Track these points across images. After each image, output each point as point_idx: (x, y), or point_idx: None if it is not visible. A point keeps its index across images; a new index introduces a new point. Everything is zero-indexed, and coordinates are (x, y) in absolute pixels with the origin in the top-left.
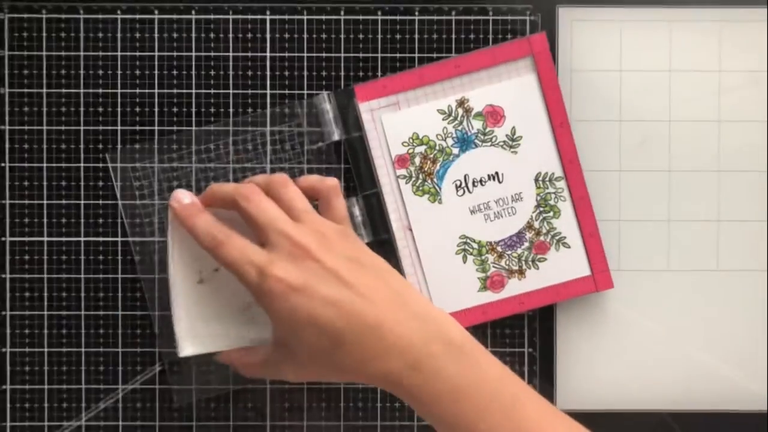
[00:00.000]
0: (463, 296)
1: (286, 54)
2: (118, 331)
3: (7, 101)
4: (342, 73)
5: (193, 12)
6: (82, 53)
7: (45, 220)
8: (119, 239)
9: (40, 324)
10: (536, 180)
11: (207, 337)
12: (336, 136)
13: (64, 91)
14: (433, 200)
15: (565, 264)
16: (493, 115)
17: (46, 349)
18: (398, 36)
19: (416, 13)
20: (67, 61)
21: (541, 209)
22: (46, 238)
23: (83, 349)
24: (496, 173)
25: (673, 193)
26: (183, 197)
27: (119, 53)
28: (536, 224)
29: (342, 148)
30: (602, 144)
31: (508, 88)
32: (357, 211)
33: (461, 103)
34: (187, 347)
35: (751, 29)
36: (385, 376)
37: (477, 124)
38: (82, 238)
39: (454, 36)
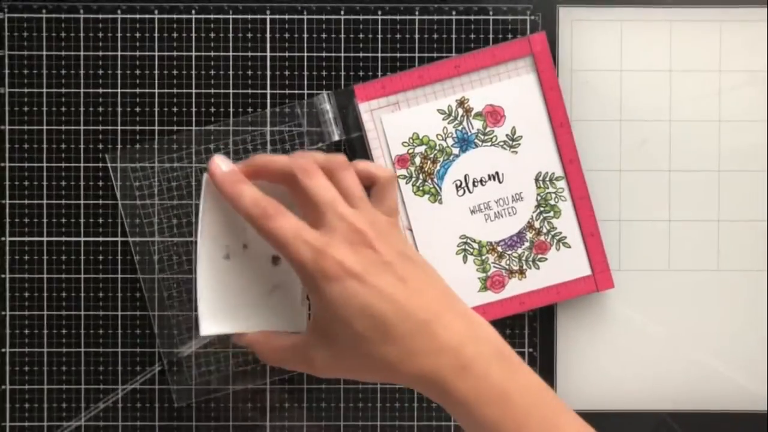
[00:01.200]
0: (464, 296)
1: (286, 54)
2: (118, 331)
3: (7, 101)
4: (342, 73)
5: (193, 12)
6: (82, 53)
7: (45, 220)
8: (119, 239)
9: (40, 324)
10: (536, 180)
11: (229, 316)
12: (336, 137)
13: (64, 91)
14: (433, 200)
15: (566, 264)
16: (493, 115)
17: (45, 349)
18: (398, 36)
19: (416, 13)
20: (67, 61)
21: (542, 209)
22: (45, 238)
23: (83, 349)
24: (497, 173)
25: (673, 193)
26: (223, 164)
27: (119, 53)
28: (537, 224)
29: (342, 149)
30: (602, 144)
31: (508, 87)
32: None
33: (461, 103)
34: (209, 326)
35: (751, 29)
36: (432, 374)
37: (477, 124)
38: (81, 238)
39: (454, 36)
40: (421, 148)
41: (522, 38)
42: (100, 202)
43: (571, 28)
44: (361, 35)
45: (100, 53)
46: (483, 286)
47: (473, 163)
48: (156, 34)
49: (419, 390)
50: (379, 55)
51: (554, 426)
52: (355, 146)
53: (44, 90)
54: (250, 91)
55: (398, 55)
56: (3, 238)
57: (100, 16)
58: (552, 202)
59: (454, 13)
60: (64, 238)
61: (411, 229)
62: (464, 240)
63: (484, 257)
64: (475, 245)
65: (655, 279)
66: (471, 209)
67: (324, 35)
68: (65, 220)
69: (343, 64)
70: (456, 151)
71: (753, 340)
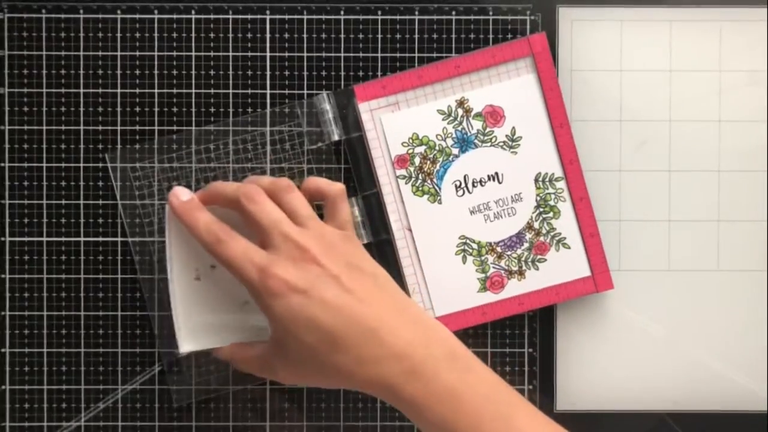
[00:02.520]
0: (463, 297)
1: (286, 54)
2: (118, 331)
3: (7, 101)
4: (342, 73)
5: (193, 12)
6: (82, 53)
7: (44, 220)
8: (119, 239)
9: (40, 324)
10: (536, 180)
11: (205, 333)
12: (336, 136)
13: (64, 91)
14: (432, 200)
15: (565, 264)
16: (493, 115)
17: (45, 350)
18: (398, 36)
19: (416, 13)
20: (67, 61)
21: (541, 210)
22: (45, 238)
23: (83, 350)
24: (496, 173)
25: (673, 193)
26: (182, 194)
27: (119, 53)
28: (536, 225)
29: (342, 148)
30: (602, 144)
31: (508, 88)
32: (356, 212)
33: (461, 103)
34: (186, 344)
35: (751, 29)
36: (382, 380)
37: (477, 125)
38: (81, 238)
39: (454, 36)
40: (421, 149)
41: (522, 38)
42: (100, 202)
43: (571, 28)
44: (361, 35)
45: (100, 53)
46: (482, 287)
47: (473, 164)
48: (156, 34)
49: (373, 394)
50: (379, 55)
51: (509, 419)
52: (355, 146)
53: (44, 90)
54: (250, 91)
55: (398, 55)
56: (3, 238)
57: (100, 16)
58: (551, 203)
59: (454, 13)
60: (64, 238)
61: (410, 230)
62: (464, 240)
63: (483, 258)
64: (475, 246)
65: (655, 279)
66: (470, 210)
67: (324, 35)
68: (65, 220)
69: (343, 64)
70: (455, 151)
71: (753, 340)
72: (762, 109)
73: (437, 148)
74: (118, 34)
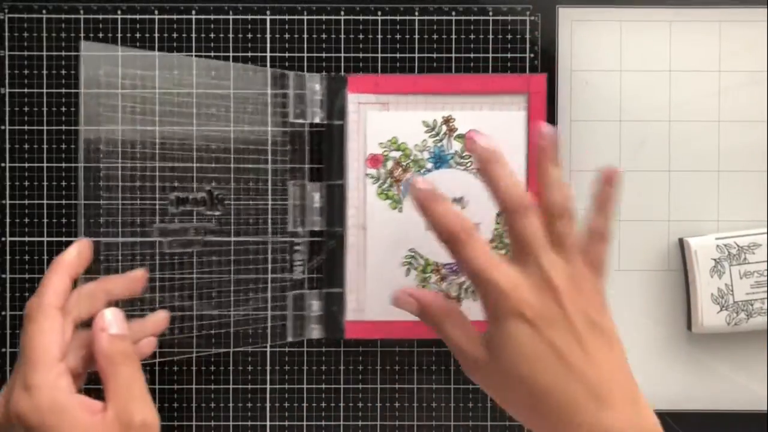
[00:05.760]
0: (396, 308)
1: (286, 54)
2: None
3: (7, 101)
4: (342, 74)
5: (193, 12)
6: (82, 53)
7: (45, 220)
8: (119, 240)
9: None
10: (498, 215)
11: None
12: (318, 119)
13: (64, 91)
14: (394, 207)
15: None
16: None
17: None
18: (398, 36)
19: (416, 13)
20: (67, 61)
21: (496, 245)
22: (45, 238)
23: None
24: (462, 198)
25: (673, 193)
26: (421, 182)
27: (119, 53)
28: None
29: (321, 132)
30: (602, 144)
31: (496, 118)
32: (317, 198)
33: (447, 120)
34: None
35: (751, 29)
36: None
37: (457, 146)
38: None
39: (454, 36)
40: (396, 154)
41: (522, 75)
42: (101, 202)
43: (571, 28)
44: (361, 35)
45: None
46: None
47: (442, 182)
48: (156, 34)
49: None
50: (379, 55)
51: None
52: (333, 134)
53: (44, 90)
54: (250, 90)
55: (398, 55)
56: (3, 238)
57: (100, 16)
58: (507, 242)
59: (454, 13)
60: (64, 239)
61: (365, 229)
62: (412, 254)
63: (426, 275)
64: (422, 261)
65: (654, 279)
66: (427, 226)
67: (324, 35)
68: (65, 220)
69: (343, 64)
70: (429, 165)
71: (753, 340)
72: (762, 109)
73: (412, 157)
74: (118, 34)
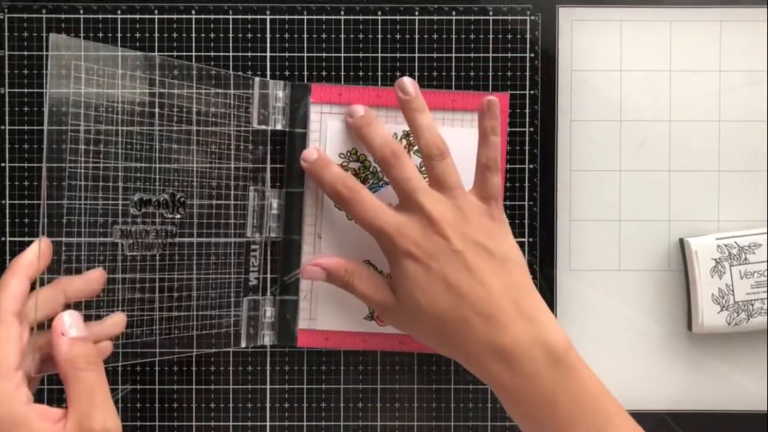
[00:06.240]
0: (349, 319)
1: (286, 54)
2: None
3: (7, 101)
4: (342, 74)
5: (193, 12)
6: (82, 53)
7: (45, 220)
8: (119, 240)
9: (39, 324)
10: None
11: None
12: (279, 126)
13: (64, 91)
14: (350, 217)
15: None
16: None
17: None
18: (398, 36)
19: (416, 13)
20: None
21: None
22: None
23: None
24: None
25: (673, 193)
26: (311, 153)
27: (119, 53)
28: None
29: (269, 141)
30: (602, 144)
31: (457, 135)
32: (275, 204)
33: (407, 134)
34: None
35: (751, 29)
36: (483, 367)
37: (417, 160)
38: (82, 239)
39: (454, 36)
40: (356, 165)
41: (486, 93)
42: (101, 202)
43: (571, 28)
44: (361, 35)
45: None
46: (370, 315)
47: None
48: (156, 34)
49: (473, 373)
50: (379, 55)
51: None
52: (295, 141)
53: (44, 90)
54: (250, 90)
55: (398, 55)
56: (3, 238)
57: (101, 16)
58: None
59: (454, 13)
60: (64, 239)
61: (320, 237)
62: (367, 265)
63: None
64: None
65: (655, 279)
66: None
67: (324, 35)
68: (65, 220)
69: (343, 64)
70: (387, 179)
71: (753, 340)
72: (762, 109)
73: (371, 169)
74: (119, 34)
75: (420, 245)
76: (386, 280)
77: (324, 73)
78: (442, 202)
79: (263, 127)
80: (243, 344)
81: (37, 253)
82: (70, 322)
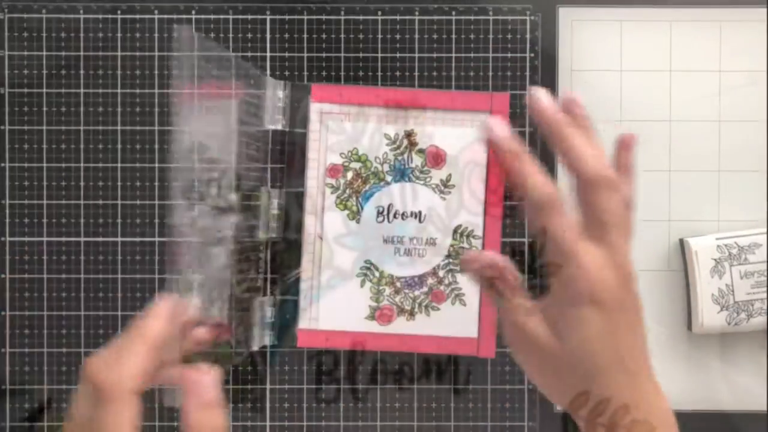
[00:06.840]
0: (350, 319)
1: (287, 54)
2: (118, 331)
3: (7, 102)
4: (342, 73)
5: (193, 12)
6: (82, 53)
7: (45, 220)
8: (119, 239)
9: (40, 324)
10: (455, 232)
11: None
12: (279, 126)
13: (64, 91)
14: (351, 218)
15: (456, 320)
16: (435, 156)
17: (45, 350)
18: (398, 36)
19: (416, 13)
20: (67, 61)
21: (451, 261)
22: (45, 238)
23: (83, 350)
24: (419, 212)
25: (673, 193)
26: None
27: (119, 53)
28: (441, 273)
29: (285, 140)
30: (602, 144)
31: (457, 135)
32: (275, 204)
33: (408, 134)
34: None
35: (751, 29)
36: (572, 411)
37: (417, 160)
38: (81, 239)
39: (454, 36)
40: (357, 165)
41: (485, 93)
42: (100, 202)
43: (571, 28)
44: (361, 35)
45: (100, 53)
46: (371, 315)
47: (401, 196)
48: (156, 34)
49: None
50: (379, 55)
51: None
52: (296, 142)
53: (44, 90)
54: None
55: (398, 55)
56: (3, 238)
57: (100, 16)
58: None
59: (454, 13)
60: (64, 239)
61: (321, 238)
62: (368, 265)
63: (381, 288)
64: (377, 274)
65: (655, 279)
66: (384, 238)
67: (324, 35)
68: (65, 220)
69: (342, 64)
70: (389, 179)
71: (753, 340)
72: (762, 109)
73: (372, 170)
74: (118, 34)
75: (612, 291)
76: (534, 305)
77: (324, 73)
78: (625, 245)
79: (263, 127)
80: (254, 348)
81: (163, 321)
82: (208, 384)
